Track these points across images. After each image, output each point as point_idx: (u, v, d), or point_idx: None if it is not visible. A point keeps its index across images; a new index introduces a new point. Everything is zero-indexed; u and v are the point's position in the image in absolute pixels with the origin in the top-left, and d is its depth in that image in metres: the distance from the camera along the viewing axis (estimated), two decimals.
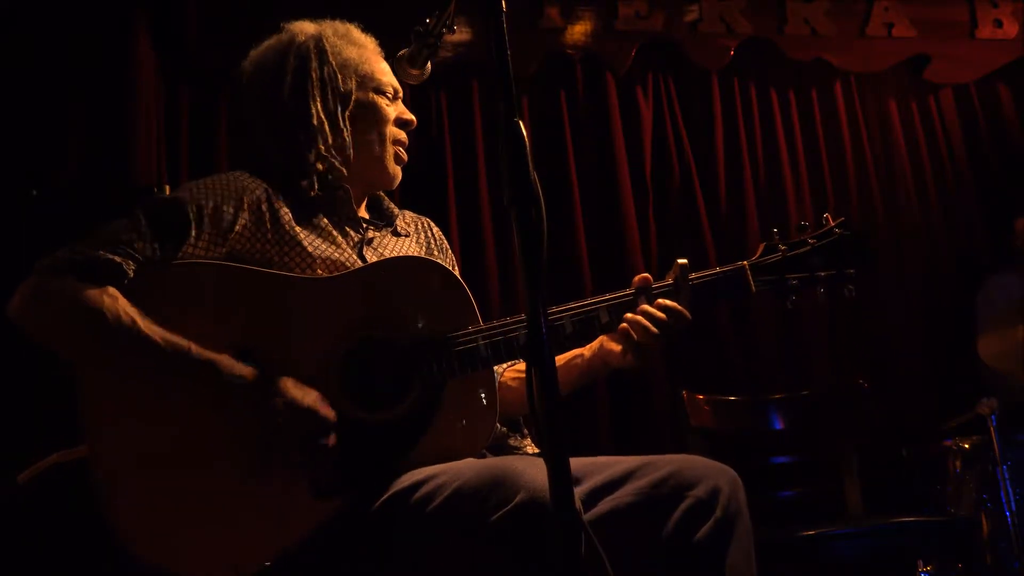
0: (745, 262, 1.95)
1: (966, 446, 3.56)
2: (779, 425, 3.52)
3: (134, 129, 3.68)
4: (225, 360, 1.67)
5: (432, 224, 2.22)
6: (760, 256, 1.96)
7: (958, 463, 3.57)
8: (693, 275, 1.91)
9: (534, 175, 1.29)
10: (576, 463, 1.74)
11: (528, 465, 1.59)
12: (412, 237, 2.11)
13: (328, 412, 1.70)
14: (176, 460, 1.67)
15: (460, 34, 3.93)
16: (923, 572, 3.16)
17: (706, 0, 4.45)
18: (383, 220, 2.07)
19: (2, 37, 3.59)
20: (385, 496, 1.69)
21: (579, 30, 4.33)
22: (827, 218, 1.99)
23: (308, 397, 1.69)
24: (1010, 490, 3.30)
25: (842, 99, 4.66)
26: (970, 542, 3.38)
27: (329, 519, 1.69)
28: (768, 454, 3.54)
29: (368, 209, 2.07)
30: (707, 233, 4.32)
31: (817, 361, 4.29)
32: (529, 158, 1.29)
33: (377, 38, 2.13)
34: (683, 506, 1.79)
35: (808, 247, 1.97)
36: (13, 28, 3.62)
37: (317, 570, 1.71)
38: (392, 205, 2.10)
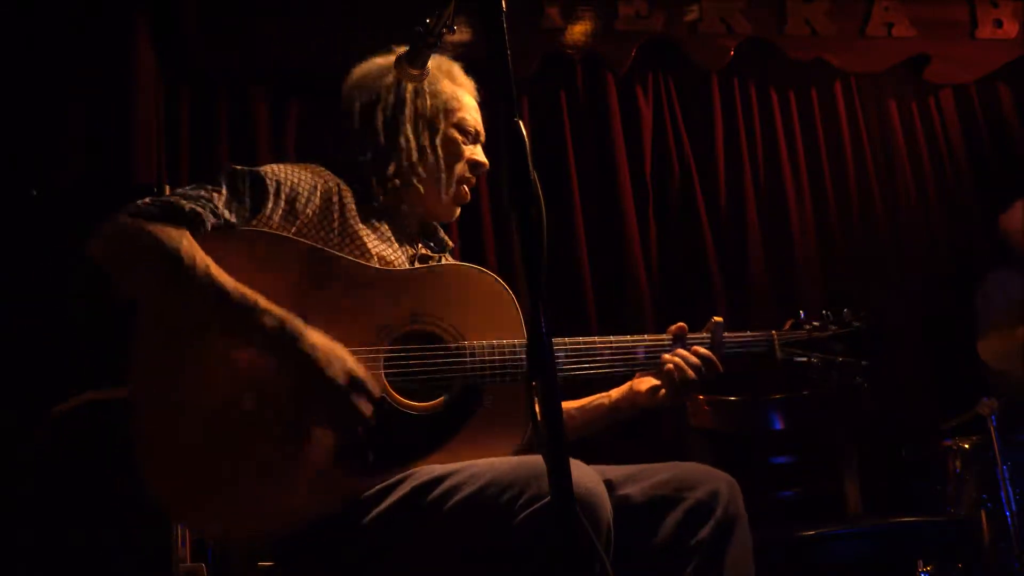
0: (774, 331, 2.14)
1: (966, 446, 3.56)
2: (779, 425, 3.52)
3: (134, 129, 3.68)
4: (296, 320, 1.69)
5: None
6: (788, 330, 2.17)
7: (958, 463, 3.57)
8: (727, 334, 2.07)
9: (534, 175, 1.29)
10: None
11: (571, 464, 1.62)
12: None
13: (377, 391, 1.73)
14: (218, 419, 1.69)
15: (460, 34, 3.91)
16: (923, 572, 3.16)
17: (706, 0, 4.45)
18: (436, 247, 2.14)
19: (2, 37, 3.59)
20: (416, 484, 1.71)
21: (579, 30, 4.33)
22: (847, 312, 2.18)
23: (365, 372, 1.72)
24: (1010, 490, 3.30)
25: (842, 99, 4.66)
26: (970, 542, 3.37)
27: (355, 499, 1.71)
28: (768, 454, 3.54)
29: (421, 235, 2.14)
30: (707, 233, 4.32)
31: None
32: (529, 158, 1.30)
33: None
34: (683, 507, 1.84)
35: (830, 332, 2.15)
36: (13, 28, 3.62)
37: (338, 551, 1.72)
38: (445, 237, 2.18)
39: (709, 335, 2.05)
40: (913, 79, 4.76)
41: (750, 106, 4.54)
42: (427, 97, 2.06)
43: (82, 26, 3.71)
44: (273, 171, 1.89)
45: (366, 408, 1.71)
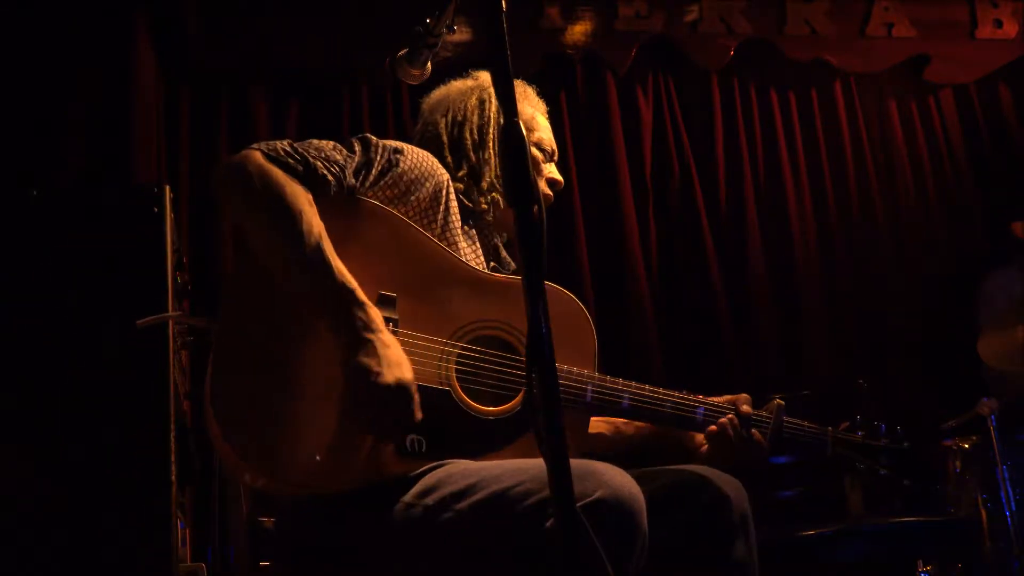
0: (830, 429, 2.20)
1: (966, 446, 3.56)
2: None
3: (134, 129, 3.68)
4: (379, 319, 1.69)
5: None
6: (843, 430, 2.23)
7: (958, 463, 3.57)
8: (787, 419, 2.14)
9: (534, 175, 1.30)
10: None
11: (608, 468, 1.64)
12: None
13: (418, 414, 1.70)
14: (288, 369, 1.71)
15: (460, 34, 3.92)
16: (923, 572, 3.16)
17: (706, 0, 4.45)
18: (503, 267, 2.18)
19: (2, 37, 3.59)
20: (451, 471, 1.71)
21: (579, 30, 4.33)
22: (899, 430, 2.25)
23: (416, 396, 1.70)
24: (1010, 490, 3.30)
25: (842, 99, 4.66)
26: (970, 542, 3.38)
27: (396, 478, 1.72)
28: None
29: (494, 249, 2.18)
30: (707, 233, 4.33)
31: (817, 361, 4.29)
32: (529, 158, 1.30)
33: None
34: (692, 508, 1.88)
35: (881, 444, 2.22)
36: (13, 28, 3.62)
37: (368, 525, 1.73)
38: (508, 257, 2.21)
39: (770, 416, 2.11)
40: (913, 79, 4.76)
41: (750, 106, 4.55)
42: None
43: (82, 26, 3.71)
44: (404, 148, 1.92)
45: (394, 422, 1.69)
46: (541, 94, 2.38)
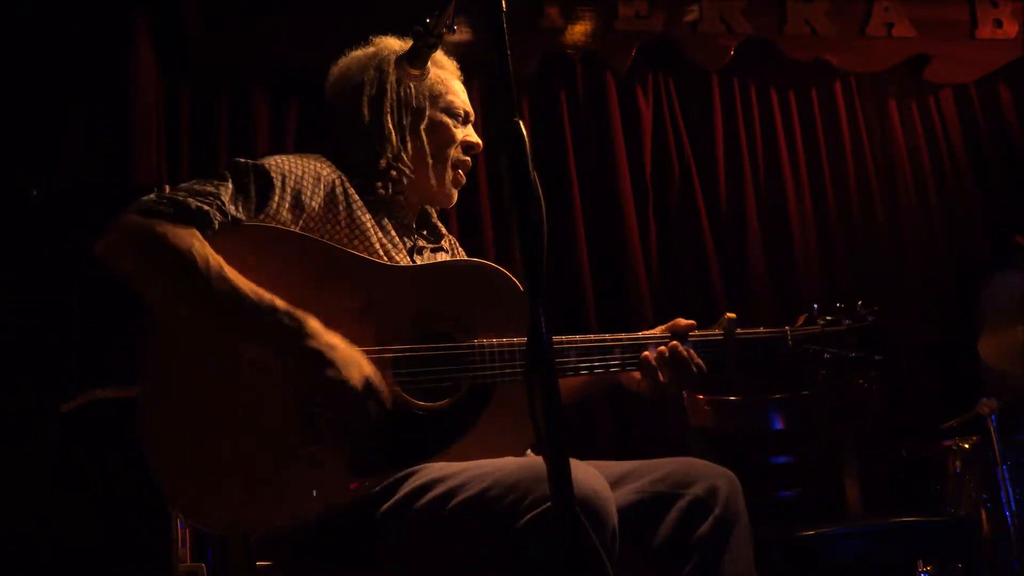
0: (787, 327, 2.09)
1: (966, 446, 3.56)
2: (779, 425, 3.52)
3: (134, 129, 3.68)
4: (314, 320, 1.68)
5: (456, 243, 2.27)
6: (801, 325, 2.11)
7: (958, 463, 3.57)
8: (740, 330, 2.03)
9: (534, 175, 1.29)
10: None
11: (573, 465, 1.61)
12: (448, 253, 2.18)
13: (389, 399, 1.72)
14: (227, 418, 1.69)
15: (460, 34, 3.91)
16: (923, 572, 3.16)
17: (706, 0, 4.45)
18: (431, 235, 2.14)
19: (2, 37, 3.59)
20: (419, 483, 1.70)
21: (579, 30, 4.33)
22: (860, 305, 2.13)
23: (381, 379, 1.71)
24: (1010, 490, 3.30)
25: (842, 99, 4.66)
26: (970, 542, 3.37)
27: (362, 497, 1.71)
28: (768, 454, 3.53)
29: (417, 222, 2.13)
30: (707, 233, 4.32)
31: None
32: (529, 158, 1.30)
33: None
34: (681, 504, 1.83)
35: (844, 327, 2.10)
36: (13, 28, 3.62)
37: (342, 548, 1.72)
38: (439, 223, 2.17)
39: (722, 331, 2.03)
40: (913, 79, 4.76)
41: (750, 106, 4.54)
42: (410, 87, 2.04)
43: (82, 26, 3.71)
44: (277, 163, 1.87)
45: (376, 414, 1.71)
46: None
